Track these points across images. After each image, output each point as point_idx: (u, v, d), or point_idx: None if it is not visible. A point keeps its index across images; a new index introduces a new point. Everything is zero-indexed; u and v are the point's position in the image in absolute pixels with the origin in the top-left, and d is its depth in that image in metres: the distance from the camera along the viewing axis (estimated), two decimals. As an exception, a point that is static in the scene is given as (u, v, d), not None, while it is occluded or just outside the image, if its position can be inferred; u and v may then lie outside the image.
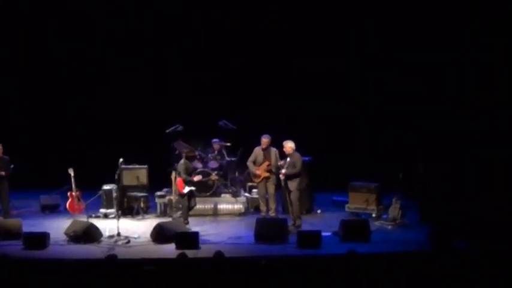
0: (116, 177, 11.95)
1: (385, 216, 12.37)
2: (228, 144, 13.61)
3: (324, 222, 12.25)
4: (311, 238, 10.42)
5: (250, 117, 14.47)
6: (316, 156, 13.30)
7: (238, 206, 13.13)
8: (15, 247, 10.31)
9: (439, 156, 12.39)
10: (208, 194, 13.10)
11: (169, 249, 10.21)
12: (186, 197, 11.83)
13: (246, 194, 13.59)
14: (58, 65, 15.73)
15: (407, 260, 8.96)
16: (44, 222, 12.33)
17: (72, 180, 12.70)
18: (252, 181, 13.02)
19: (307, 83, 15.57)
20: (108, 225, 11.38)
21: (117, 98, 15.41)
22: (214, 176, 12.80)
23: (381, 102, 14.90)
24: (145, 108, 15.40)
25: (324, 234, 10.68)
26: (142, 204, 12.92)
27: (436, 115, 13.42)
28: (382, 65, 14.85)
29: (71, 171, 12.72)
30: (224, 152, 13.65)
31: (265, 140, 12.07)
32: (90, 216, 12.16)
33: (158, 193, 13.19)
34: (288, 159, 11.64)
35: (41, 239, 10.43)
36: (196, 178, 12.04)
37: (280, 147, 11.90)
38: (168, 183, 12.89)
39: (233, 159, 13.59)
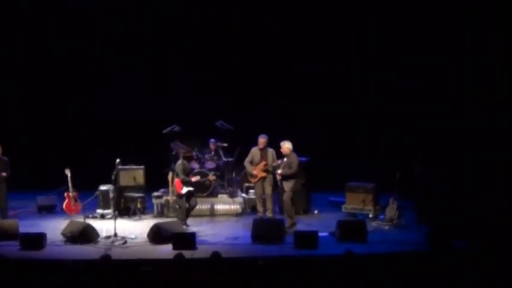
0: (113, 177, 11.86)
1: (382, 216, 12.32)
2: (225, 144, 13.56)
3: (320, 222, 12.17)
4: (308, 238, 10.37)
5: (249, 117, 14.43)
6: (315, 156, 13.23)
7: (235, 207, 13.08)
8: (12, 248, 10.27)
9: (439, 156, 12.35)
10: (205, 194, 13.03)
11: (166, 250, 10.16)
12: (184, 198, 11.79)
13: (243, 195, 13.53)
14: (58, 65, 15.69)
15: (404, 261, 8.93)
16: (40, 222, 12.27)
17: (69, 180, 12.66)
18: (249, 181, 12.97)
19: (307, 83, 15.50)
20: (105, 226, 11.34)
21: (116, 98, 15.36)
22: (212, 177, 12.75)
23: (381, 102, 14.82)
24: (145, 108, 15.34)
25: (321, 234, 10.62)
26: (139, 205, 12.86)
27: (436, 115, 13.40)
28: (382, 65, 14.81)
29: (68, 172, 12.67)
30: (221, 153, 13.59)
31: (262, 140, 12.01)
32: (87, 217, 12.10)
33: (155, 194, 13.13)
34: (285, 159, 11.59)
35: (37, 240, 10.39)
36: (194, 179, 11.97)
37: (277, 148, 11.84)
38: (165, 184, 12.84)
39: (230, 159, 13.54)
